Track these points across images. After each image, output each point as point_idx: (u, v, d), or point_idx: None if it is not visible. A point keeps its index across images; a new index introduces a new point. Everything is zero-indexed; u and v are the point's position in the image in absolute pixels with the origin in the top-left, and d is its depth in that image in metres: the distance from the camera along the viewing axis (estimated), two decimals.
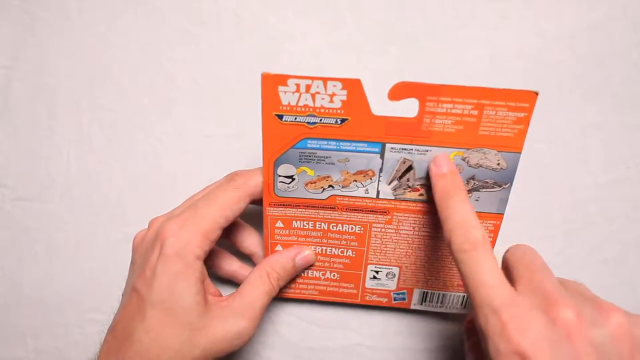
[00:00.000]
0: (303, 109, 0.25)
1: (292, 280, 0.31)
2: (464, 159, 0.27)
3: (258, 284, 0.28)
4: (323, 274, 0.31)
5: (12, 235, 0.36)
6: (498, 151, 0.26)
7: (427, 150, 0.26)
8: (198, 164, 0.35)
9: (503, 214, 0.28)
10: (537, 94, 0.24)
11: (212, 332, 0.26)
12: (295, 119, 0.26)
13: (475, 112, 0.25)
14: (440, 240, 0.30)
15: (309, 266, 0.31)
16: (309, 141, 0.26)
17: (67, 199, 0.35)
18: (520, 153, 0.26)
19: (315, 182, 0.28)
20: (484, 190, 0.27)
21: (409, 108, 0.25)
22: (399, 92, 0.25)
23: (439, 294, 0.32)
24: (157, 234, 0.27)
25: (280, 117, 0.26)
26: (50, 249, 0.36)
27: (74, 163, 0.35)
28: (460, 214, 0.24)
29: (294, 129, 0.26)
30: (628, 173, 0.34)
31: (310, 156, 0.27)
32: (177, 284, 0.26)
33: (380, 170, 0.27)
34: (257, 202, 0.29)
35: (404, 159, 0.27)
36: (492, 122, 0.25)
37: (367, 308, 0.35)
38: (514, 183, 0.27)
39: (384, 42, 0.34)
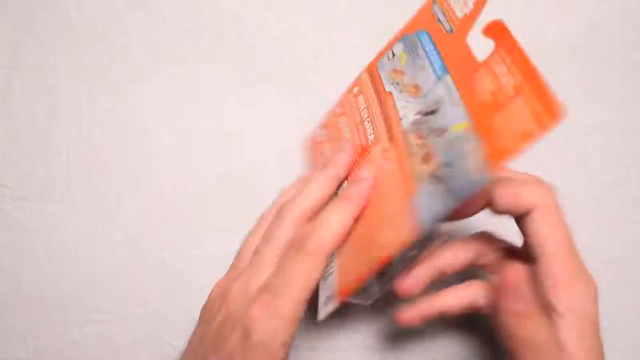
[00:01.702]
0: (447, 8, 0.25)
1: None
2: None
3: None
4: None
5: (12, 235, 0.36)
6: None
7: (446, 112, 0.23)
8: (198, 164, 0.35)
9: None
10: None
11: None
12: (437, 8, 0.26)
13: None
14: None
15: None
16: (424, 35, 0.27)
17: (67, 199, 0.35)
18: None
19: (397, 72, 0.28)
20: None
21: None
22: (492, 30, 0.24)
23: None
24: (238, 315, 0.25)
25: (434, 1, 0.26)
26: (50, 249, 0.36)
27: (74, 163, 0.35)
28: None
29: (428, 17, 0.26)
30: (628, 173, 0.34)
31: (415, 46, 0.27)
32: None
33: (425, 95, 0.25)
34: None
35: (439, 99, 0.24)
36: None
37: (366, 307, 0.35)
38: None
39: (384, 42, 0.34)
